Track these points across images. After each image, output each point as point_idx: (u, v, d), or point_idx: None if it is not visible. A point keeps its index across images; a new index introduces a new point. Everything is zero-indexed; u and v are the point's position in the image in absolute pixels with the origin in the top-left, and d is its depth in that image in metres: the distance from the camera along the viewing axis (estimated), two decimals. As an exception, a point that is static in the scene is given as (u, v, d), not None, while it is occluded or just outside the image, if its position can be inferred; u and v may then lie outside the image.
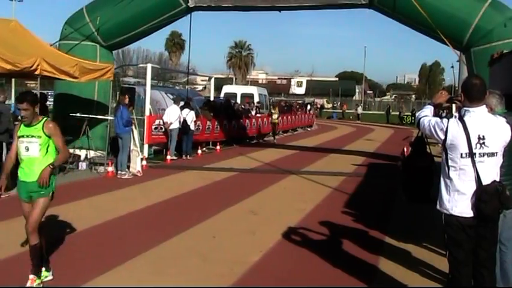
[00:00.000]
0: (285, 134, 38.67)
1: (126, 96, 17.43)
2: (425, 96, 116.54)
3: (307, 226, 10.91)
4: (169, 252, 9.02)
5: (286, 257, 9.05)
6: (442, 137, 5.47)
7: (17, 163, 7.80)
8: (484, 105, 5.52)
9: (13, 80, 29.99)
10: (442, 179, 5.60)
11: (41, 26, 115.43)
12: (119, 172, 16.47)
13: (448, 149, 5.47)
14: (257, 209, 12.66)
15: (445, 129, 5.45)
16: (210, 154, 24.11)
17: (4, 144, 12.98)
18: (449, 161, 5.47)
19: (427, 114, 5.77)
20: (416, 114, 5.82)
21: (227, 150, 25.90)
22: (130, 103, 17.89)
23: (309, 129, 46.89)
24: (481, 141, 5.35)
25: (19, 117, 7.39)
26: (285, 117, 39.51)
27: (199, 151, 23.30)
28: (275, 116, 32.97)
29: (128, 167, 16.86)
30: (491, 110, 6.12)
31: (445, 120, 5.52)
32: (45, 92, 20.83)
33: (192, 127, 22.14)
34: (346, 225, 11.31)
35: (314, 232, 10.47)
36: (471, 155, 5.36)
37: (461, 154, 5.39)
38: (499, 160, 5.51)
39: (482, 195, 5.31)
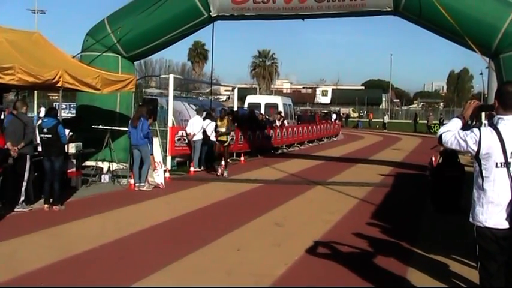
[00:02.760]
0: (310, 144, 38.40)
1: (147, 109, 17.34)
2: (454, 104, 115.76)
3: (333, 238, 10.70)
4: (193, 266, 8.90)
5: (312, 269, 8.86)
6: (475, 148, 5.25)
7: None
8: None
9: (35, 92, 30.12)
10: (475, 190, 5.40)
11: (63, 37, 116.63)
12: (137, 185, 16.29)
13: (481, 160, 5.25)
14: (282, 221, 12.46)
15: (478, 140, 5.22)
16: (234, 165, 23.91)
17: (28, 156, 12.90)
18: (484, 172, 5.26)
19: (449, 129, 5.47)
20: (439, 131, 5.51)
21: (251, 161, 25.70)
22: (152, 115, 17.71)
23: (334, 138, 46.58)
24: None
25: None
26: (309, 127, 39.31)
27: (223, 162, 23.08)
28: (223, 131, 19.97)
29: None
30: None
31: (476, 130, 5.29)
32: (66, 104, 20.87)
33: (213, 138, 21.94)
34: (373, 236, 11.06)
35: (340, 244, 10.24)
36: (506, 164, 5.17)
37: (496, 164, 5.19)
38: None
39: None
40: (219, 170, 20.07)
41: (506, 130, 5.21)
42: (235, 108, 30.87)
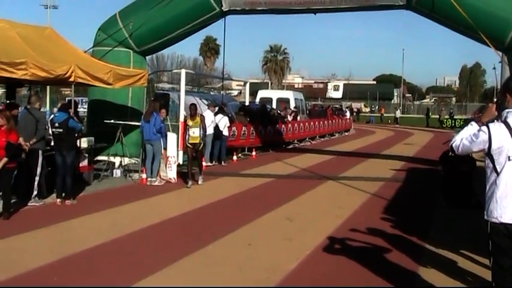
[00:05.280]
0: (322, 139, 38.31)
1: (160, 104, 17.38)
2: (466, 99, 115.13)
3: (344, 233, 10.69)
4: (204, 260, 8.89)
5: (324, 264, 8.85)
6: (487, 145, 5.22)
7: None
8: None
9: (48, 87, 30.18)
10: (488, 187, 5.37)
11: (75, 32, 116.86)
12: (149, 179, 16.32)
13: (493, 155, 5.23)
14: (294, 216, 12.44)
15: (487, 137, 5.20)
16: (246, 160, 23.91)
17: (40, 151, 12.96)
18: (497, 167, 5.24)
19: (462, 136, 5.44)
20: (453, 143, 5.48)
21: (263, 156, 25.68)
22: (164, 110, 17.73)
23: (346, 133, 46.48)
24: None
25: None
26: (321, 122, 39.24)
27: (235, 157, 23.13)
28: (195, 132, 16.63)
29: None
30: None
31: (484, 128, 5.27)
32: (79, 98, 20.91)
33: (225, 133, 21.95)
34: (384, 231, 11.02)
35: (351, 239, 10.23)
36: None
37: (509, 157, 5.18)
38: None
39: None
40: (189, 182, 16.22)
41: None
42: (247, 103, 30.86)
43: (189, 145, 16.67)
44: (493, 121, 5.35)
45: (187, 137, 16.62)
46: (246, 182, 17.39)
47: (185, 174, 16.67)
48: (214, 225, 11.46)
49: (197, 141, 16.57)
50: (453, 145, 5.43)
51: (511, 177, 5.20)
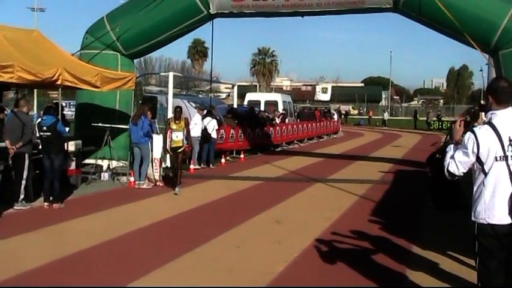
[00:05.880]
0: (310, 142, 38.37)
1: (148, 107, 17.34)
2: (454, 101, 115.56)
3: (333, 235, 10.73)
4: (193, 263, 8.91)
5: (312, 266, 8.87)
6: (476, 151, 5.25)
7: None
8: (510, 108, 5.36)
9: (35, 90, 30.06)
10: (476, 188, 5.40)
11: (62, 35, 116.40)
12: (137, 182, 16.29)
13: (481, 158, 5.26)
14: (282, 218, 12.45)
15: (475, 142, 5.24)
16: (234, 163, 23.92)
17: (27, 155, 12.90)
18: (485, 168, 5.26)
19: (449, 160, 5.44)
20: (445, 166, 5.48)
21: (251, 158, 25.68)
22: (152, 114, 17.72)
23: (334, 136, 46.57)
24: None
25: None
26: (309, 125, 39.31)
27: (223, 160, 23.14)
28: (178, 136, 15.92)
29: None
30: None
31: (469, 135, 5.31)
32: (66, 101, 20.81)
33: (214, 135, 21.94)
34: (373, 233, 11.06)
35: (340, 241, 10.26)
36: (505, 157, 5.21)
37: (496, 158, 5.21)
38: None
39: None
40: (177, 189, 15.53)
41: (501, 124, 5.26)
42: (235, 106, 30.87)
43: (169, 150, 15.97)
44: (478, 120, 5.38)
45: (169, 141, 15.83)
46: (235, 184, 17.38)
47: (171, 179, 16.29)
48: (203, 227, 11.44)
49: (180, 145, 15.88)
50: (450, 170, 5.40)
51: (498, 178, 5.23)
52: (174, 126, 15.82)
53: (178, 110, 16.26)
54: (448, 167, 5.38)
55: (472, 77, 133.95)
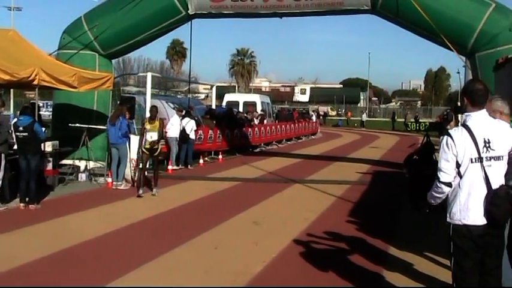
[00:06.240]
0: (289, 143, 38.42)
1: (126, 108, 17.26)
2: (431, 102, 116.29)
3: (311, 236, 10.75)
4: (170, 264, 8.88)
5: (289, 267, 8.89)
6: (456, 153, 5.29)
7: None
8: (485, 109, 5.44)
9: (11, 90, 29.79)
10: (451, 190, 5.43)
11: (39, 35, 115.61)
12: (115, 183, 16.21)
13: (458, 160, 5.31)
14: (260, 219, 12.47)
15: (452, 145, 5.29)
16: (213, 163, 23.89)
17: (3, 155, 12.78)
18: (460, 170, 5.31)
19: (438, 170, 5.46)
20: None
21: (230, 159, 25.66)
22: (130, 114, 17.66)
23: (313, 137, 46.67)
24: (487, 145, 5.28)
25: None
26: (288, 126, 39.39)
27: (202, 161, 23.10)
28: (153, 137, 15.45)
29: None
30: (501, 114, 6.11)
31: (447, 138, 5.35)
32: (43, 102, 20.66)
33: (192, 136, 21.90)
34: (350, 234, 11.11)
35: (317, 242, 10.30)
36: (480, 159, 5.26)
37: (471, 159, 5.26)
38: (504, 165, 5.41)
39: (494, 198, 5.22)
40: (140, 190, 15.08)
41: (476, 125, 5.31)
42: (214, 107, 30.85)
43: (144, 150, 15.44)
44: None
45: (143, 141, 15.39)
46: (213, 185, 17.37)
47: (139, 182, 15.44)
48: (180, 228, 11.42)
49: (156, 147, 15.51)
50: (444, 181, 5.36)
51: (474, 180, 5.28)
52: (148, 127, 15.42)
53: (154, 110, 15.97)
54: (441, 179, 5.37)
55: (450, 79, 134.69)
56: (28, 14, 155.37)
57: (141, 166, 15.59)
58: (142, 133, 15.59)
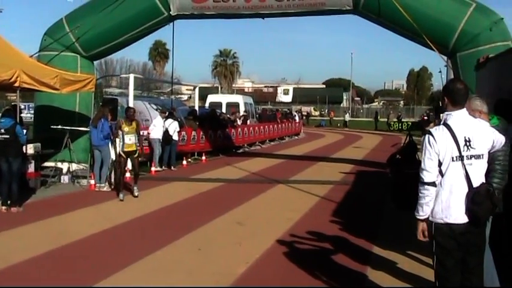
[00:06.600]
0: (272, 143, 38.46)
1: (108, 109, 17.18)
2: (414, 102, 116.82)
3: (294, 236, 10.75)
4: (154, 266, 8.84)
5: (273, 267, 8.89)
6: (438, 151, 5.32)
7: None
8: (465, 109, 5.49)
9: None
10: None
11: (20, 37, 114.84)
12: (98, 185, 16.14)
13: (439, 158, 5.33)
14: (244, 220, 12.46)
15: (434, 143, 5.33)
16: (196, 165, 23.86)
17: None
18: (442, 168, 5.34)
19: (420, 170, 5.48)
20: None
21: (213, 160, 25.63)
22: (112, 116, 17.58)
23: (296, 137, 46.72)
24: (468, 144, 5.32)
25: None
26: (271, 126, 39.43)
27: (185, 162, 23.06)
28: (131, 139, 15.05)
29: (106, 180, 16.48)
30: (480, 113, 6.25)
31: (429, 138, 5.37)
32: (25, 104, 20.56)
33: (175, 137, 21.85)
34: (334, 234, 11.12)
35: (301, 242, 10.30)
36: (461, 158, 5.29)
37: (452, 158, 5.30)
38: (485, 163, 5.46)
39: (475, 197, 5.26)
40: (121, 195, 14.78)
41: (456, 124, 5.35)
42: (197, 108, 30.83)
43: (122, 154, 14.99)
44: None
45: (121, 144, 14.92)
46: (197, 186, 17.33)
47: (118, 186, 15.27)
48: (164, 230, 11.38)
49: (133, 149, 15.05)
50: (427, 181, 5.37)
51: (455, 179, 5.31)
52: (126, 129, 14.88)
53: (131, 111, 15.54)
54: (425, 180, 5.38)
55: (432, 79, 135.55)
56: (9, 15, 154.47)
57: (119, 170, 15.39)
58: (117, 135, 15.05)
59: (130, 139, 14.94)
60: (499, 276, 6.85)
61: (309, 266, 8.70)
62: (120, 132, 14.96)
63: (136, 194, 15.12)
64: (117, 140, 15.10)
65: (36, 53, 19.39)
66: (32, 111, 23.48)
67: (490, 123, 6.01)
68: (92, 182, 16.38)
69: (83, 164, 18.07)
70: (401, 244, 10.02)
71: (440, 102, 5.94)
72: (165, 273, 8.47)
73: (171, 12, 19.65)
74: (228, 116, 33.16)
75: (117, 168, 15.69)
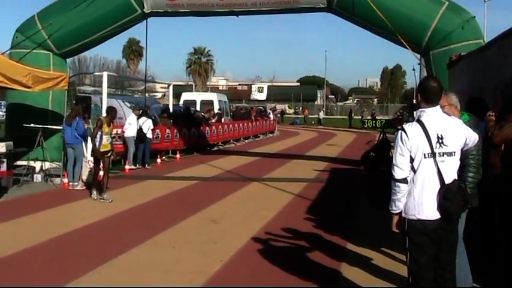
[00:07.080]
0: (246, 141, 38.48)
1: (82, 108, 17.06)
2: (387, 99, 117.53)
3: (269, 234, 10.75)
4: (128, 265, 8.79)
5: (248, 266, 8.88)
6: (410, 148, 5.35)
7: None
8: (439, 106, 5.52)
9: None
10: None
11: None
12: (71, 184, 16.02)
13: (411, 155, 5.36)
14: (218, 218, 12.43)
15: (406, 139, 5.36)
16: (170, 163, 23.80)
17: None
18: (414, 165, 5.37)
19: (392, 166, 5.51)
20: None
21: (187, 158, 25.57)
22: (86, 114, 17.46)
23: (270, 135, 46.78)
24: (440, 141, 5.35)
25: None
26: (245, 124, 39.44)
27: (159, 160, 22.99)
28: (108, 140, 14.90)
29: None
30: (455, 108, 6.41)
31: (401, 133, 5.41)
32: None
33: (149, 135, 21.76)
34: (308, 231, 11.15)
35: (275, 240, 10.31)
36: (433, 154, 5.33)
37: (424, 155, 5.34)
38: (457, 161, 5.50)
39: (447, 193, 5.29)
40: (94, 193, 14.48)
41: (429, 121, 5.39)
42: (171, 106, 30.71)
43: (98, 153, 14.64)
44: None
45: (98, 144, 14.50)
46: (171, 184, 17.28)
47: (91, 184, 14.99)
48: (138, 228, 11.32)
49: (109, 149, 14.85)
50: (398, 177, 5.40)
51: (427, 175, 5.35)
52: (106, 130, 14.67)
53: (114, 111, 15.48)
54: (396, 177, 5.41)
55: (405, 76, 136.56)
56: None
57: (94, 170, 15.22)
58: (95, 135, 14.57)
59: (108, 139, 14.79)
60: (472, 272, 6.92)
61: (284, 264, 8.71)
62: (99, 132, 14.64)
63: (105, 198, 14.30)
64: (96, 139, 14.61)
65: (7, 50, 19.24)
66: (4, 109, 23.22)
67: (461, 118, 6.07)
68: (65, 180, 16.25)
69: (56, 163, 17.93)
70: (375, 241, 10.07)
71: (415, 100, 5.99)
72: (139, 271, 8.42)
73: (144, 10, 19.57)
74: (203, 114, 33.09)
75: (93, 167, 15.46)
